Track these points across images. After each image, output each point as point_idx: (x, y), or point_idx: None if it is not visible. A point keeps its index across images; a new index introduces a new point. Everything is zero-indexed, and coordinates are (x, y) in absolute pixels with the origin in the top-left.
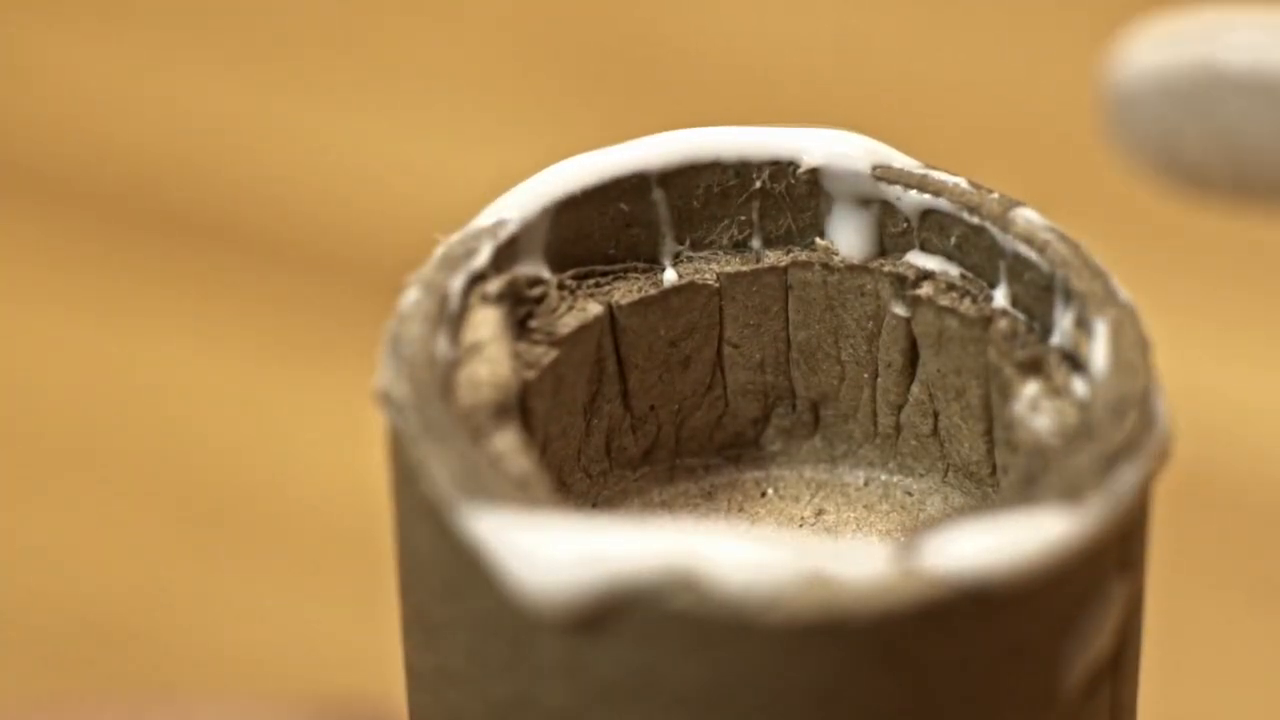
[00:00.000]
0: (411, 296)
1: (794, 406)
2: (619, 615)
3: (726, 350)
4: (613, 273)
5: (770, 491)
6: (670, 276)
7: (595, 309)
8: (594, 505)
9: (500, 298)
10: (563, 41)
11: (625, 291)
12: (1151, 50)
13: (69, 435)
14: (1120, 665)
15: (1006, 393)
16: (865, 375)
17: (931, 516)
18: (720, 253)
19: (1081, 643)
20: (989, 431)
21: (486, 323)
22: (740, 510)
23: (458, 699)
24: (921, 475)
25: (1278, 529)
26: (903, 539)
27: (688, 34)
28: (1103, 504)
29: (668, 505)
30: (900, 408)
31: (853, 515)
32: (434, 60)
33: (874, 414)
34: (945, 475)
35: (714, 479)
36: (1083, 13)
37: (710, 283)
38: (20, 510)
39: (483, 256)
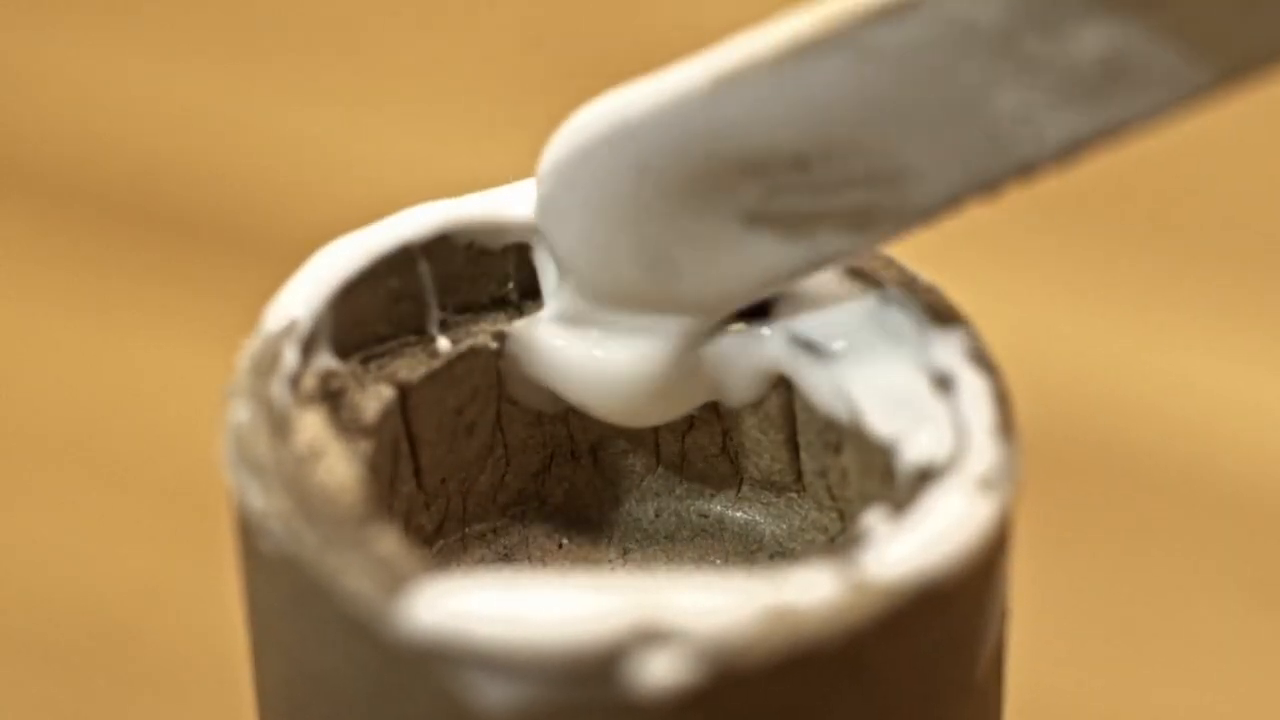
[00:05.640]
0: (242, 413)
1: (573, 453)
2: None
3: (505, 409)
4: (387, 351)
5: (565, 541)
6: (444, 344)
7: (388, 392)
8: None
9: (320, 397)
10: (560, 40)
11: (407, 367)
12: None
13: (66, 434)
14: (1004, 641)
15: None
16: None
17: (735, 535)
18: (482, 312)
19: (989, 621)
20: (792, 439)
21: (314, 425)
22: (543, 566)
23: None
24: (713, 496)
25: (1278, 529)
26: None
27: (686, 32)
28: (1008, 481)
29: None
30: (686, 433)
31: (658, 549)
32: (437, 63)
33: (656, 444)
34: (739, 490)
35: (505, 540)
36: None
37: (489, 345)
38: (16, 510)
39: (291, 359)
